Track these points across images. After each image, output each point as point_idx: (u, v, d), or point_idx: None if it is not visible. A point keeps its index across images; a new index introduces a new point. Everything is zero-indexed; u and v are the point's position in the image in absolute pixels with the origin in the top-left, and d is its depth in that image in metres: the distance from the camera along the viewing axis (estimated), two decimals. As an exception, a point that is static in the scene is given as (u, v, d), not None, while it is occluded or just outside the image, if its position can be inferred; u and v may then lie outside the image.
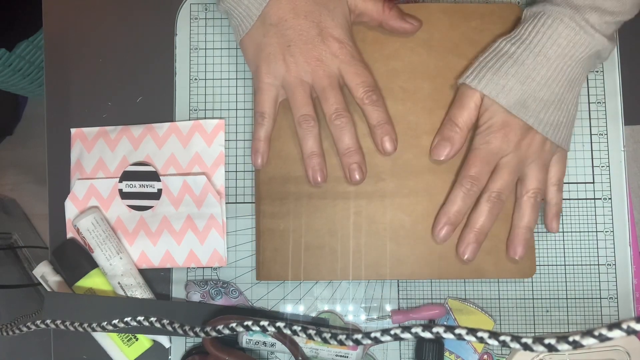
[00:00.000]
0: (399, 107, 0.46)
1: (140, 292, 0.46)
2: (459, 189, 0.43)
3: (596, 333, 0.28)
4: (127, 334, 0.46)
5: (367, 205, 0.45)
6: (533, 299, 0.46)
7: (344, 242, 0.45)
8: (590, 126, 0.47)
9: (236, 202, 0.48)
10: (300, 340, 0.43)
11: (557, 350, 0.29)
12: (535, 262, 0.45)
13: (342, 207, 0.45)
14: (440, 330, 0.33)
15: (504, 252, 0.44)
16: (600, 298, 0.46)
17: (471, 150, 0.43)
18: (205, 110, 0.49)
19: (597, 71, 0.48)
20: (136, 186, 0.47)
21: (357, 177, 0.43)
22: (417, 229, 0.45)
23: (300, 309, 0.47)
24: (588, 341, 0.28)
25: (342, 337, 0.37)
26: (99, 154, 0.48)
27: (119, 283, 0.46)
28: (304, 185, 0.45)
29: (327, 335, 0.37)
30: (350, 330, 0.44)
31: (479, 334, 0.32)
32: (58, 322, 0.43)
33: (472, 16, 0.46)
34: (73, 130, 0.49)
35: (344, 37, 0.42)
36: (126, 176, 0.47)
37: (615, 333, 0.27)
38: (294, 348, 0.43)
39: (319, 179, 0.44)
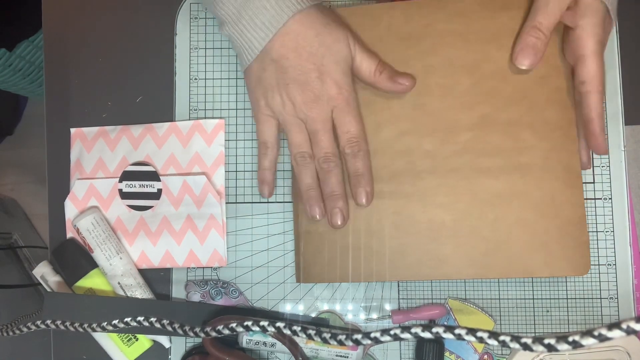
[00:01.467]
0: (436, 104, 0.45)
1: (140, 292, 0.46)
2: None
3: (596, 333, 0.28)
4: (127, 334, 0.46)
5: (407, 205, 0.44)
6: (533, 299, 0.46)
7: (384, 243, 0.44)
8: (590, 126, 0.47)
9: (236, 202, 0.48)
10: (300, 340, 0.43)
11: (557, 350, 0.29)
12: (589, 259, 0.43)
13: (381, 208, 0.44)
14: (440, 330, 0.33)
15: (554, 250, 0.43)
16: (601, 298, 0.46)
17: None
18: (205, 110, 0.49)
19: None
20: (136, 186, 0.47)
21: (339, 222, 0.43)
22: (459, 227, 0.44)
23: (300, 309, 0.47)
24: (588, 341, 0.28)
25: (342, 337, 0.37)
26: (98, 153, 0.48)
27: (119, 283, 0.46)
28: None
29: (327, 336, 0.37)
30: (350, 331, 0.44)
31: (479, 334, 0.32)
32: (58, 322, 0.43)
33: (509, 5, 0.44)
34: (73, 130, 0.49)
35: (344, 82, 0.42)
36: (126, 176, 0.47)
37: (615, 333, 0.27)
38: (294, 348, 0.43)
39: (316, 214, 0.44)
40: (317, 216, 0.44)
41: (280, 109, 0.43)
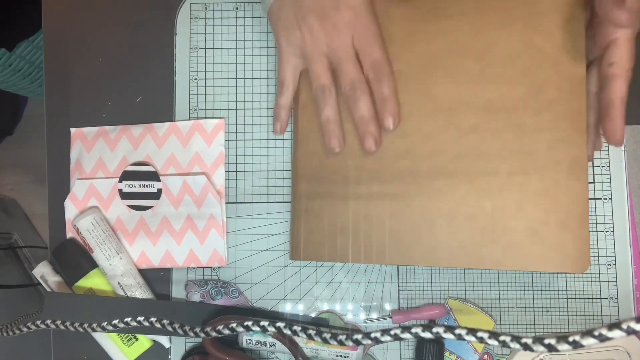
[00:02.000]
0: (440, 87, 0.44)
1: (140, 292, 0.46)
2: None
3: (596, 333, 0.28)
4: (127, 334, 0.46)
5: (404, 189, 0.44)
6: (533, 299, 0.46)
7: (379, 225, 0.44)
8: (590, 126, 0.47)
9: (236, 202, 0.48)
10: (301, 340, 0.43)
11: (557, 350, 0.29)
12: (589, 256, 0.42)
13: (378, 190, 0.44)
14: (440, 330, 0.33)
15: (552, 244, 0.42)
16: (601, 298, 0.46)
17: None
18: (205, 110, 0.49)
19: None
20: (136, 186, 0.47)
21: (372, 145, 0.42)
22: (456, 214, 0.43)
23: (300, 309, 0.47)
24: (588, 341, 0.28)
25: (342, 337, 0.37)
26: (98, 153, 0.48)
27: (118, 283, 0.46)
28: (340, 167, 0.45)
29: (327, 336, 0.37)
30: (350, 331, 0.44)
31: (479, 334, 0.32)
32: (58, 322, 0.43)
33: None
34: (73, 130, 0.49)
35: (361, 8, 0.41)
36: (126, 176, 0.47)
37: (615, 333, 0.27)
38: (294, 348, 0.43)
39: (335, 145, 0.43)
40: (336, 148, 0.43)
41: (300, 42, 0.42)
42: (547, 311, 0.46)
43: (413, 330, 0.34)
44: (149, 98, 0.49)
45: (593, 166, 0.47)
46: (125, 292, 0.46)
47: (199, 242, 0.47)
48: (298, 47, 0.43)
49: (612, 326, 0.27)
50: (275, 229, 0.48)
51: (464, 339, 0.32)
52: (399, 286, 0.47)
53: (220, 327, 0.40)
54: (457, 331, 0.32)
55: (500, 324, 0.46)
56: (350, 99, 0.42)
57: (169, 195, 0.47)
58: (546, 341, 0.29)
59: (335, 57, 0.42)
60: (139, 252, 0.47)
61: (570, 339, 0.28)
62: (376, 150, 0.43)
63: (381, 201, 0.44)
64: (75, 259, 0.47)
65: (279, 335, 0.42)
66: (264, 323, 0.38)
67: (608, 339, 0.27)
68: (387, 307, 0.47)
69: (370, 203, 0.44)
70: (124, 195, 0.47)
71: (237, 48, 0.49)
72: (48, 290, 0.47)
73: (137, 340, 0.46)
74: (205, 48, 0.49)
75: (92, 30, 0.50)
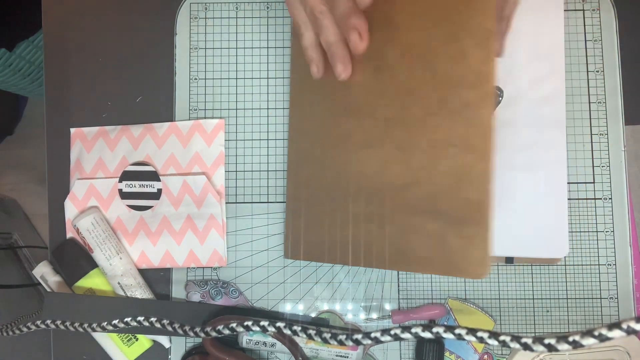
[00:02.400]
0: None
1: (140, 292, 0.46)
2: None
3: (596, 333, 0.28)
4: (127, 334, 0.46)
5: (390, 196, 0.41)
6: (533, 299, 0.46)
7: (370, 228, 0.43)
8: (590, 126, 0.47)
9: (236, 202, 0.48)
10: (301, 340, 0.43)
11: (557, 350, 0.29)
12: (489, 257, 0.36)
13: (366, 192, 0.42)
14: (440, 330, 0.33)
15: (442, 243, 0.38)
16: (601, 298, 0.46)
17: None
18: (205, 110, 0.49)
19: (597, 71, 0.48)
20: (136, 186, 0.47)
21: (339, 70, 0.39)
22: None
23: (300, 309, 0.47)
24: (588, 341, 0.28)
25: (342, 337, 0.37)
26: (98, 153, 0.48)
27: (118, 283, 0.46)
28: (328, 168, 0.44)
29: (327, 336, 0.37)
30: (350, 330, 0.44)
31: (479, 334, 0.32)
32: (58, 322, 0.43)
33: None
34: (73, 130, 0.49)
35: None
36: (126, 176, 0.47)
37: (615, 333, 0.27)
38: (294, 348, 0.43)
39: (340, 70, 0.40)
40: (342, 73, 0.40)
41: None
42: (547, 311, 0.46)
43: (413, 330, 0.34)
44: (149, 98, 0.49)
45: (593, 166, 0.47)
46: (125, 292, 0.46)
47: (199, 242, 0.47)
48: None
49: (612, 326, 0.27)
50: (275, 229, 0.48)
51: (464, 339, 0.32)
52: (399, 286, 0.47)
53: (220, 327, 0.40)
54: (457, 331, 0.32)
55: (500, 324, 0.46)
56: (317, 28, 0.40)
57: (169, 195, 0.47)
58: (546, 341, 0.29)
59: None
60: (139, 252, 0.47)
61: (570, 339, 0.28)
62: (346, 76, 0.40)
63: (370, 205, 0.42)
64: (75, 259, 0.47)
65: (279, 335, 0.42)
66: (264, 323, 0.38)
67: (608, 339, 0.27)
68: (387, 307, 0.47)
69: (358, 206, 0.43)
70: (124, 195, 0.47)
71: (237, 48, 0.49)
72: (48, 290, 0.47)
73: (137, 340, 0.46)
74: (205, 48, 0.49)
75: (92, 31, 0.50)
